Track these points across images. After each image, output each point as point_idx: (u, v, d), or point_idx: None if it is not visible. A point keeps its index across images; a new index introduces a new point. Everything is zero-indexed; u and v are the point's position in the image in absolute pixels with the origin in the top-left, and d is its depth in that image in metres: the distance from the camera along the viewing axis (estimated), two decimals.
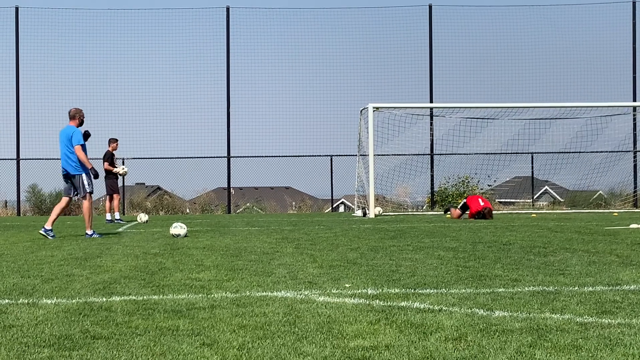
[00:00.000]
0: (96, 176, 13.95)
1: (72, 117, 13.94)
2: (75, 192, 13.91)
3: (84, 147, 13.79)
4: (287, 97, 32.77)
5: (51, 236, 13.51)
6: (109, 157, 20.50)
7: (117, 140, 20.92)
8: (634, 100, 29.81)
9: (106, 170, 20.41)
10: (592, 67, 31.83)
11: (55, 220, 13.87)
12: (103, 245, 11.84)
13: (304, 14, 35.31)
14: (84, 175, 13.75)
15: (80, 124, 13.97)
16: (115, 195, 20.61)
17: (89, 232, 13.76)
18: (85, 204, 13.85)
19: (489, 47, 32.75)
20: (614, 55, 32.55)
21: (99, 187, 19.16)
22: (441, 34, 30.63)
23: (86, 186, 13.77)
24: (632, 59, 30.23)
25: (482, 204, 20.61)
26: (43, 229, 13.67)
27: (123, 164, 20.67)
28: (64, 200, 14.06)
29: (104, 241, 12.72)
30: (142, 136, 30.83)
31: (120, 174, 20.45)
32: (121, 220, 20.56)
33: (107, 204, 20.72)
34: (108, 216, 20.39)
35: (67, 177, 13.86)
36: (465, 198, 21.65)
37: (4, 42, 29.81)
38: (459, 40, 32.64)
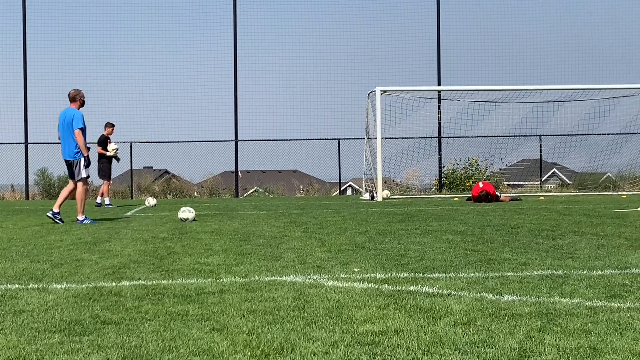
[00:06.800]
0: (88, 164, 13.63)
1: (72, 99, 13.65)
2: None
3: (84, 131, 13.55)
4: (295, 80, 32.74)
5: (58, 219, 13.42)
6: (103, 141, 20.44)
7: (113, 125, 20.76)
8: None
9: (99, 154, 20.38)
10: (601, 48, 31.69)
11: (62, 203, 13.66)
12: (112, 229, 11.86)
13: None
14: (82, 160, 13.50)
15: (81, 105, 13.68)
16: (105, 181, 20.60)
17: (80, 218, 13.47)
18: (79, 189, 13.55)
19: (497, 30, 32.61)
20: (623, 36, 32.37)
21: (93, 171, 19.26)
22: (449, 16, 30.54)
23: (82, 171, 13.49)
24: None
25: (480, 185, 20.71)
26: (51, 212, 13.55)
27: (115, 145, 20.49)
28: (71, 184, 13.80)
29: (112, 225, 12.74)
30: (149, 120, 30.91)
31: (112, 156, 20.34)
32: (111, 204, 20.47)
33: (105, 187, 20.69)
34: (98, 199, 20.40)
35: (69, 164, 13.64)
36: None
37: (11, 26, 29.84)
38: (467, 23, 32.54)
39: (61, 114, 13.65)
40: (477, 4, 32.89)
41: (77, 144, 13.48)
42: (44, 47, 31.20)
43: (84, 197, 13.64)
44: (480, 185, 20.61)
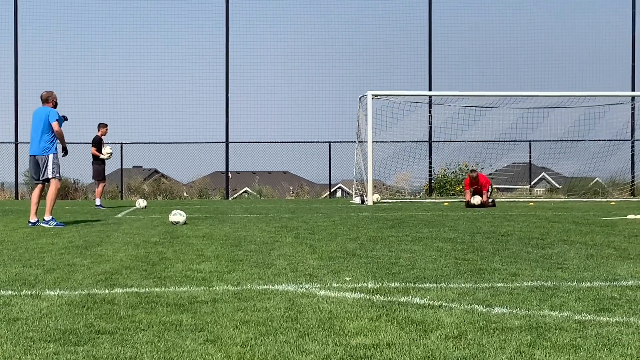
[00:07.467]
0: (65, 153, 13.53)
1: (45, 101, 13.51)
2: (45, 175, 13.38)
3: (60, 125, 13.38)
4: (287, 83, 32.74)
5: (55, 224, 13.15)
6: (97, 142, 20.42)
7: (106, 125, 20.78)
8: (633, 89, 29.87)
9: (93, 156, 20.36)
10: (591, 56, 31.86)
11: (52, 207, 13.45)
12: (102, 232, 11.87)
13: (303, 0, 35.17)
14: (50, 157, 13.26)
15: (54, 106, 13.56)
16: (97, 182, 20.56)
17: (47, 217, 13.26)
18: (52, 188, 13.36)
19: (488, 35, 32.72)
20: (613, 44, 32.53)
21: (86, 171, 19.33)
22: (441, 22, 30.64)
23: (49, 171, 13.26)
24: (631, 48, 30.24)
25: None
26: (44, 222, 13.20)
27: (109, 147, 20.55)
28: (39, 186, 13.53)
29: (103, 228, 12.75)
30: (140, 121, 30.87)
31: (105, 158, 20.35)
32: (102, 206, 20.43)
33: (99, 189, 20.67)
34: (97, 201, 20.36)
35: (35, 161, 13.35)
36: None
37: (2, 24, 29.76)
38: (458, 29, 32.62)
39: (34, 113, 13.49)
40: (468, 10, 32.99)
41: (48, 140, 13.26)
42: (35, 46, 31.14)
43: (55, 197, 13.46)
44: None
